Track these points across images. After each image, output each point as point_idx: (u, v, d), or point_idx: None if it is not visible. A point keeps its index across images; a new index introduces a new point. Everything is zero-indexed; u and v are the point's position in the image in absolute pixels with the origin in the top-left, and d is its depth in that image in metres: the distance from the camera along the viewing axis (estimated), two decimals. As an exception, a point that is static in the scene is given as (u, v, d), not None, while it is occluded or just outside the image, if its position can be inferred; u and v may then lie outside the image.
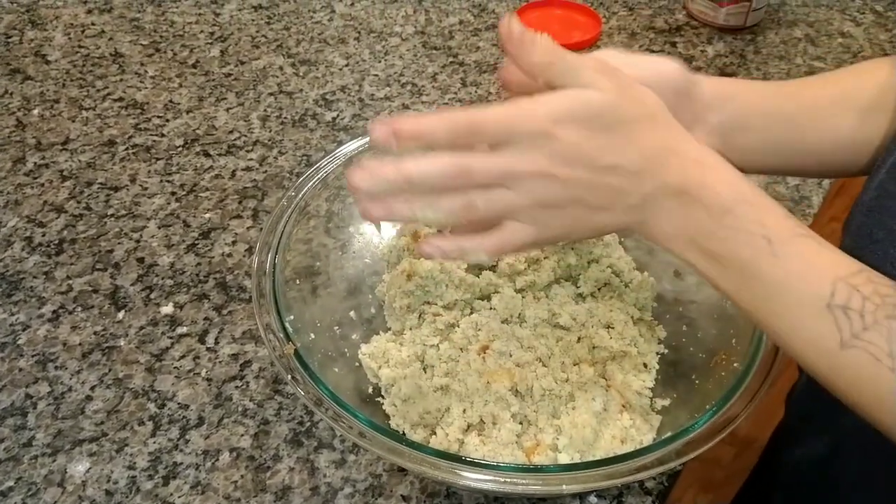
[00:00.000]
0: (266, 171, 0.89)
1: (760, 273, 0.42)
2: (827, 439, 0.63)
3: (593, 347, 0.63)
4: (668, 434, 0.53)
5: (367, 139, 0.71)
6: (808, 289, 0.41)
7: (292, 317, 0.58)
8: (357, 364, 0.64)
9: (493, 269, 0.70)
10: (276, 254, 0.61)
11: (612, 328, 0.64)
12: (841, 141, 0.57)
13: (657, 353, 0.65)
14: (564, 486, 0.47)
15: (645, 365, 0.64)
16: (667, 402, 0.61)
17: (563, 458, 0.55)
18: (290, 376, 0.53)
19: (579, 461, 0.54)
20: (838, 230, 0.55)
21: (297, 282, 0.63)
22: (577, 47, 1.07)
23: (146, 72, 1.05)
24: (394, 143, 0.40)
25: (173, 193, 0.86)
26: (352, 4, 1.18)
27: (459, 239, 0.44)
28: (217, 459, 0.62)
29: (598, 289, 0.69)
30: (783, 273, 0.41)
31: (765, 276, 0.42)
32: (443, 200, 0.42)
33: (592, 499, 0.60)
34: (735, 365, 0.56)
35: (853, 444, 0.59)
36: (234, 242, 0.81)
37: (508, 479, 0.47)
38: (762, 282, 0.42)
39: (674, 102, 0.47)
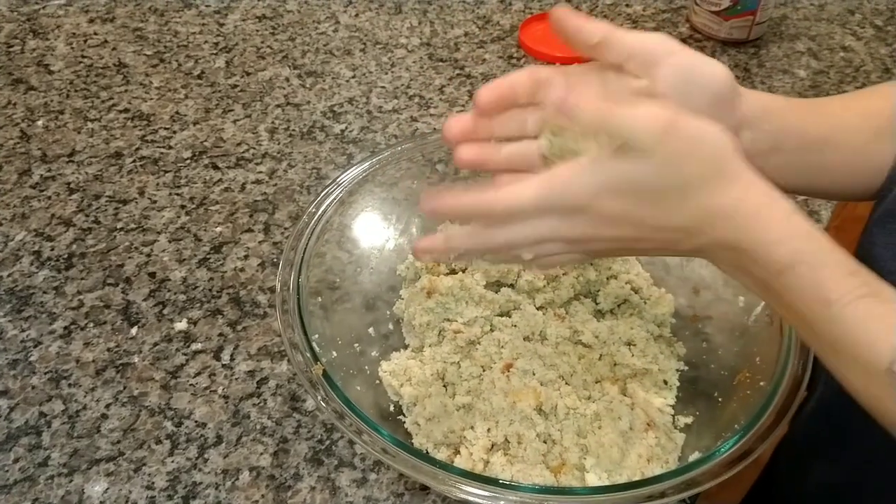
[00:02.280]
0: (276, 185, 0.88)
1: (818, 331, 0.42)
2: (842, 468, 0.63)
3: (615, 364, 0.63)
4: (696, 454, 0.53)
5: (381, 156, 0.71)
6: (867, 355, 0.40)
7: (316, 335, 0.58)
8: (377, 381, 0.64)
9: (512, 286, 0.69)
10: (298, 272, 0.60)
11: (634, 345, 0.64)
12: (862, 163, 0.57)
13: (677, 371, 0.65)
14: (601, 509, 0.47)
15: (665, 382, 0.64)
16: (689, 420, 0.61)
17: (591, 479, 0.55)
18: (319, 396, 0.52)
19: (609, 483, 0.54)
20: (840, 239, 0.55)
21: (319, 299, 0.62)
22: (580, 61, 1.07)
23: (151, 83, 1.04)
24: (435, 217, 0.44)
25: (183, 207, 0.86)
26: (356, 15, 1.18)
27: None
28: (237, 479, 0.62)
29: (618, 305, 0.69)
30: (840, 336, 0.41)
31: (822, 335, 0.42)
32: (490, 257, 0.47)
33: (616, 517, 0.60)
34: (761, 384, 0.56)
35: (872, 475, 0.59)
36: (246, 257, 0.80)
37: (542, 502, 0.47)
38: (820, 339, 0.42)
39: (713, 110, 0.46)
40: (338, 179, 0.68)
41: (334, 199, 0.67)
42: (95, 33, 1.13)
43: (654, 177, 0.40)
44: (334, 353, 0.60)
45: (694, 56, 0.45)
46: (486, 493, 0.48)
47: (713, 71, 0.46)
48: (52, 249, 0.80)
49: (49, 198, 0.86)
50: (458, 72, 1.07)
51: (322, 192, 0.67)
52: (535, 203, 0.42)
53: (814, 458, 0.67)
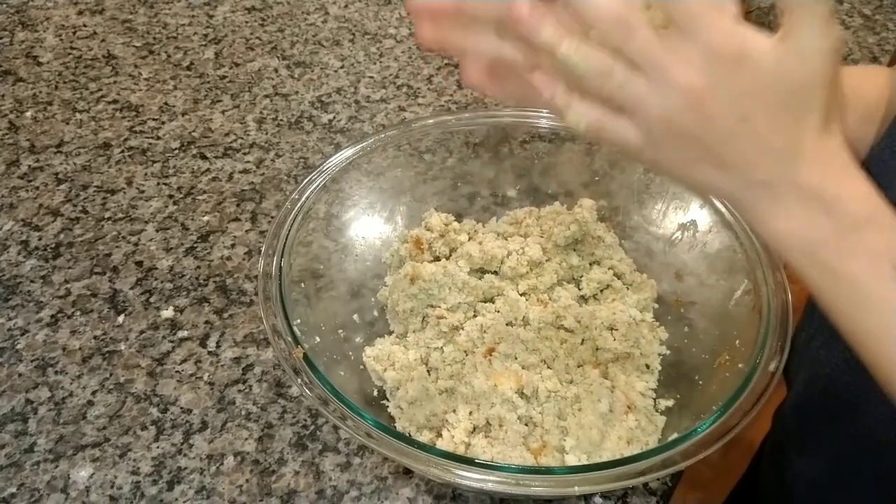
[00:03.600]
0: (263, 174, 0.89)
1: (879, 298, 0.39)
2: (821, 463, 0.63)
3: (597, 349, 0.64)
4: (675, 435, 0.54)
5: (367, 143, 0.71)
6: None
7: (298, 320, 0.58)
8: (361, 367, 0.65)
9: (495, 272, 0.70)
10: (281, 257, 0.61)
11: (616, 330, 0.64)
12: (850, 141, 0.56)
13: (659, 355, 0.65)
14: (577, 488, 0.47)
15: (647, 366, 0.64)
16: (670, 403, 0.62)
17: (571, 460, 0.55)
18: (299, 379, 0.53)
19: (587, 463, 0.55)
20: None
21: (302, 285, 0.63)
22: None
23: (140, 74, 1.04)
24: None
25: (171, 196, 0.86)
26: (345, 6, 1.18)
27: (564, 94, 0.41)
28: (221, 464, 0.62)
29: (601, 290, 0.69)
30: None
31: (879, 301, 0.39)
32: (593, 50, 0.38)
33: (598, 499, 0.60)
34: (739, 366, 0.56)
35: (849, 469, 0.60)
36: (233, 245, 0.80)
37: (520, 481, 0.48)
38: (875, 306, 0.39)
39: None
40: (322, 167, 0.69)
41: (318, 186, 0.67)
42: (84, 25, 1.13)
43: (809, 80, 0.37)
44: (317, 339, 0.61)
45: None
46: (467, 475, 0.49)
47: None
48: (40, 239, 0.81)
49: (37, 188, 0.87)
50: (446, 61, 1.07)
51: (305, 179, 0.67)
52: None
53: (794, 453, 0.68)
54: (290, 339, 0.55)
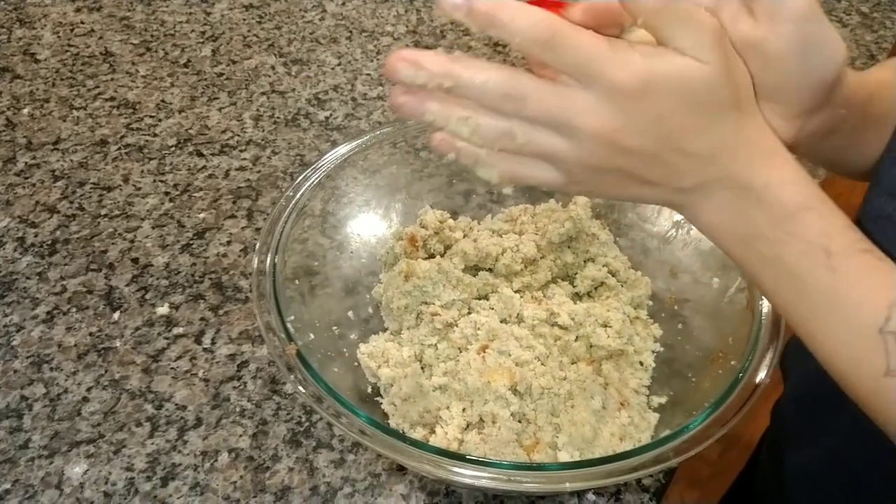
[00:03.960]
0: (260, 171, 0.89)
1: (813, 285, 0.39)
2: (818, 457, 0.63)
3: (591, 346, 0.64)
4: (667, 432, 0.54)
5: (362, 140, 0.71)
6: (862, 310, 0.38)
7: (293, 317, 0.58)
8: (355, 364, 0.65)
9: (490, 269, 0.70)
10: (275, 254, 0.61)
11: (609, 327, 0.65)
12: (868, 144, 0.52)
13: (653, 352, 0.65)
14: (568, 484, 0.47)
15: (641, 363, 0.65)
16: (663, 400, 0.62)
17: (563, 456, 0.55)
18: (292, 376, 0.53)
19: (579, 459, 0.55)
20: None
21: (296, 282, 0.63)
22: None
23: (137, 71, 1.04)
24: (465, 17, 0.36)
25: (167, 193, 0.86)
26: (343, 4, 1.18)
27: (469, 151, 0.39)
28: (216, 460, 0.62)
29: (595, 288, 0.69)
30: (838, 289, 0.38)
31: (818, 288, 0.39)
32: (482, 118, 0.37)
33: (591, 496, 0.60)
34: (732, 363, 0.56)
35: (845, 463, 0.60)
36: (228, 242, 0.81)
37: (511, 478, 0.48)
38: (814, 294, 0.39)
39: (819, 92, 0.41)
40: (317, 164, 0.69)
41: (313, 183, 0.67)
42: (82, 22, 1.13)
43: (707, 88, 0.37)
44: (312, 336, 0.61)
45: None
46: (459, 471, 0.49)
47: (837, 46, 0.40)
48: (36, 236, 0.81)
49: (33, 185, 0.87)
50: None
51: (301, 176, 0.67)
52: (584, 47, 0.35)
53: (790, 447, 0.68)
54: (283, 335, 0.55)
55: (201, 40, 1.10)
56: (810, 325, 0.41)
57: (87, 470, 0.62)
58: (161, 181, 0.88)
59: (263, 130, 0.95)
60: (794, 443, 0.67)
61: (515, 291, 0.68)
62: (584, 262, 0.70)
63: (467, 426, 0.59)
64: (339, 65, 1.06)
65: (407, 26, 1.14)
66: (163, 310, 0.74)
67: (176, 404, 0.66)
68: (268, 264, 0.60)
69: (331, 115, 0.97)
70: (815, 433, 0.63)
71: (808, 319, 0.40)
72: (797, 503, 0.67)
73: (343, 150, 0.70)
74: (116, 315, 0.73)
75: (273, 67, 1.05)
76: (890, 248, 0.41)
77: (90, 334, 0.72)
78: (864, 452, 0.58)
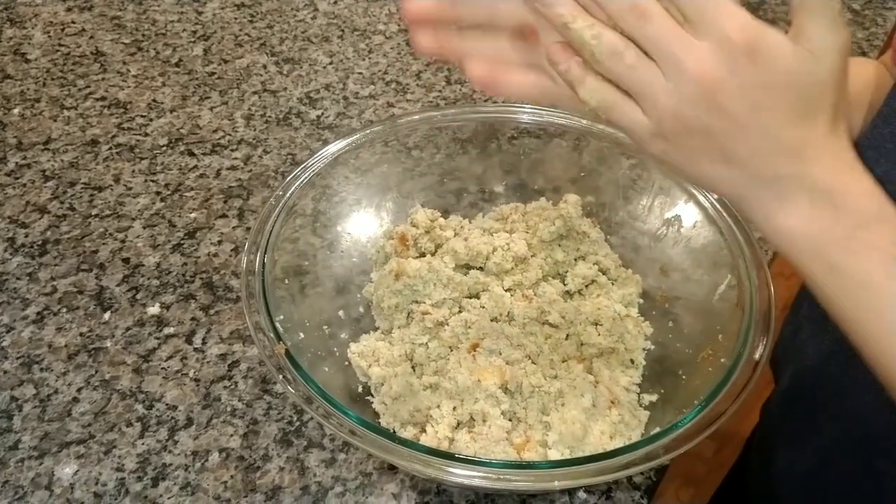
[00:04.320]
0: (251, 171, 0.89)
1: (885, 294, 0.39)
2: (809, 455, 0.63)
3: (581, 344, 0.64)
4: (657, 430, 0.54)
5: (353, 139, 0.71)
6: None
7: (282, 316, 0.58)
8: (346, 363, 0.65)
9: (481, 268, 0.70)
10: (264, 253, 0.61)
11: (600, 325, 0.65)
12: None
13: (644, 350, 0.65)
14: (556, 483, 0.47)
15: (632, 361, 0.65)
16: (654, 398, 0.62)
17: (553, 455, 0.55)
18: (281, 376, 0.53)
19: (569, 457, 0.55)
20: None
21: (286, 281, 0.63)
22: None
23: (128, 71, 1.04)
24: None
25: (158, 193, 0.86)
26: (335, 2, 1.18)
27: (579, 68, 0.40)
28: (206, 460, 0.62)
29: (586, 286, 0.69)
30: None
31: (880, 298, 0.39)
32: (606, 30, 0.38)
33: (581, 494, 0.60)
34: (722, 360, 0.56)
35: (836, 463, 0.60)
36: (219, 242, 0.80)
37: (501, 476, 0.48)
38: (884, 303, 0.39)
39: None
40: (308, 163, 0.69)
41: (303, 182, 0.67)
42: (73, 22, 1.13)
43: (819, 80, 0.37)
44: (302, 335, 0.61)
45: None
46: (449, 470, 0.49)
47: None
48: (27, 236, 0.81)
49: (24, 185, 0.87)
50: (435, 57, 1.07)
51: (291, 175, 0.67)
52: None
53: (781, 446, 0.68)
54: (272, 335, 0.55)
55: (193, 39, 1.10)
56: (872, 331, 0.40)
57: (78, 470, 0.62)
58: (152, 181, 0.87)
59: (255, 130, 0.94)
60: (784, 441, 0.67)
61: (506, 290, 0.68)
62: (575, 260, 0.70)
63: (458, 425, 0.59)
64: (330, 64, 1.06)
65: (399, 25, 1.14)
66: (154, 310, 0.74)
67: (166, 404, 0.66)
68: (257, 263, 0.60)
69: (322, 114, 0.97)
70: (806, 431, 0.63)
71: (871, 324, 0.40)
72: (788, 501, 0.67)
73: (334, 148, 0.70)
74: (107, 315, 0.73)
75: (265, 66, 1.05)
76: None
77: (81, 335, 0.71)
78: (855, 450, 0.58)
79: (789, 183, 0.39)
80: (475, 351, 0.62)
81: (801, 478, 0.65)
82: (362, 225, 0.73)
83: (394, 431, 0.59)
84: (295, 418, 0.65)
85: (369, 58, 1.07)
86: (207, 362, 0.69)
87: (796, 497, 0.66)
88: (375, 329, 0.68)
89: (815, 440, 0.62)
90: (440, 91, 1.01)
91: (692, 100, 0.37)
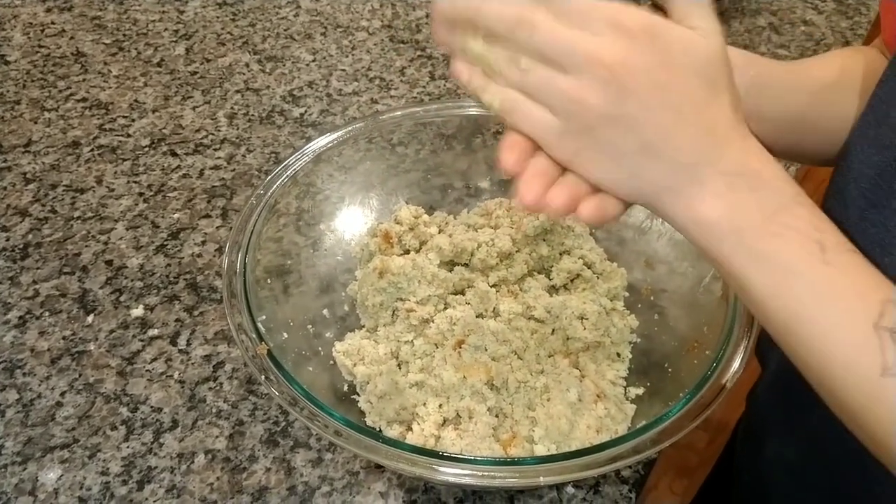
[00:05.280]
0: (234, 170, 0.88)
1: (808, 277, 0.38)
2: (795, 444, 0.63)
3: (567, 339, 0.64)
4: (643, 423, 0.54)
5: (335, 136, 0.71)
6: (857, 304, 0.37)
7: (264, 316, 0.58)
8: (331, 362, 0.64)
9: (465, 264, 0.70)
10: (246, 253, 0.60)
11: (586, 319, 0.64)
12: (845, 124, 0.54)
13: (630, 343, 0.65)
14: (542, 478, 0.47)
15: (618, 354, 0.64)
16: (640, 391, 0.62)
17: (540, 450, 0.55)
18: (263, 377, 0.52)
19: (555, 452, 0.55)
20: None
21: (269, 281, 0.62)
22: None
23: (110, 71, 1.03)
24: None
25: (141, 194, 0.85)
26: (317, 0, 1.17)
27: (481, 78, 0.41)
28: (192, 462, 0.62)
29: (571, 280, 0.69)
30: (833, 282, 0.38)
31: (812, 280, 0.38)
32: (497, 44, 0.39)
33: (570, 489, 0.60)
34: (707, 353, 0.56)
35: (824, 452, 0.60)
36: (203, 242, 0.80)
37: (486, 473, 0.48)
38: (808, 286, 0.38)
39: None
40: (290, 161, 0.68)
41: (286, 180, 0.66)
42: (53, 22, 1.12)
43: (710, 61, 0.38)
44: (286, 335, 0.60)
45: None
46: (435, 468, 0.49)
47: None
48: (8, 240, 0.80)
49: (4, 188, 0.86)
50: (419, 53, 1.06)
51: (273, 173, 0.67)
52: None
53: (768, 435, 0.68)
54: (254, 336, 0.55)
55: (174, 39, 1.09)
56: (799, 321, 0.39)
57: (62, 475, 0.61)
58: (135, 182, 0.87)
59: (238, 129, 0.94)
60: (772, 428, 0.67)
61: (491, 286, 0.68)
62: (560, 254, 0.70)
63: (444, 422, 0.58)
64: (313, 61, 1.05)
65: (382, 21, 1.13)
66: (137, 312, 0.73)
67: (151, 407, 0.66)
68: (238, 263, 0.59)
69: (306, 111, 0.96)
70: (792, 418, 0.63)
71: (798, 314, 0.39)
72: (777, 488, 0.67)
73: (317, 145, 0.69)
74: (90, 318, 0.73)
75: (247, 65, 1.04)
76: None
77: (63, 338, 0.71)
78: (843, 439, 0.58)
79: (706, 168, 0.38)
80: (461, 348, 0.61)
81: (785, 467, 0.65)
82: (346, 223, 0.72)
83: (380, 430, 0.59)
84: (281, 419, 0.65)
85: (352, 54, 1.06)
86: (192, 364, 0.69)
87: (785, 484, 0.66)
88: (360, 327, 0.68)
89: (801, 426, 0.62)
90: (424, 87, 1.00)
91: (597, 86, 0.37)
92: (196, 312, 0.73)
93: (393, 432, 0.59)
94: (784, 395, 0.65)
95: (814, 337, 0.39)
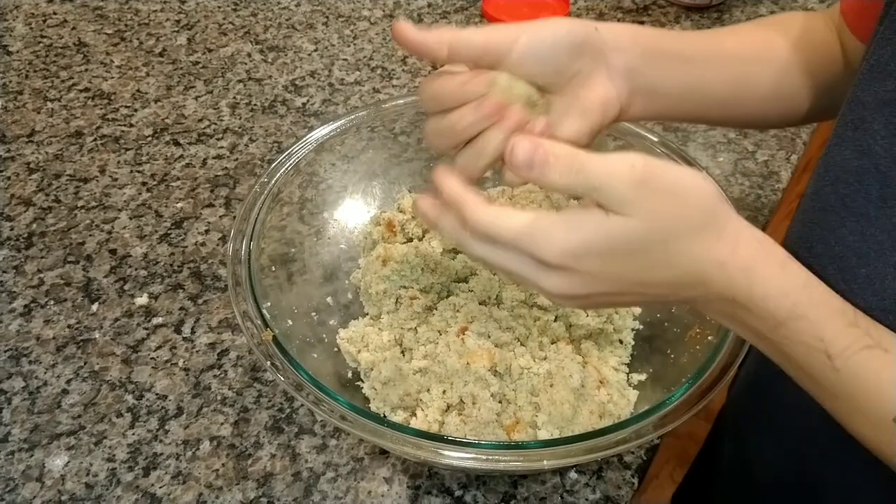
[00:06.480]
0: (237, 159, 0.88)
1: (821, 381, 0.41)
2: (778, 440, 0.63)
3: (570, 326, 0.64)
4: (646, 408, 0.54)
5: (338, 125, 0.71)
6: (872, 404, 0.40)
7: (269, 303, 0.58)
8: (336, 349, 0.65)
9: (468, 251, 0.70)
10: (250, 241, 0.60)
11: (588, 306, 0.65)
12: (762, 94, 0.57)
13: (632, 330, 0.66)
14: (546, 462, 0.47)
15: (620, 341, 0.65)
16: (643, 377, 0.62)
17: (543, 435, 0.55)
18: (269, 363, 0.53)
19: (559, 437, 0.55)
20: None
21: (273, 269, 0.63)
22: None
23: (112, 61, 1.03)
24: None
25: (144, 184, 0.86)
26: (319, -11, 1.17)
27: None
28: (198, 449, 0.62)
29: (573, 268, 0.69)
30: (844, 386, 0.40)
31: (825, 384, 0.41)
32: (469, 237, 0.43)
33: (573, 474, 0.61)
34: (710, 338, 0.56)
35: (808, 447, 0.60)
36: (207, 231, 0.80)
37: (490, 457, 0.48)
38: (823, 388, 0.41)
39: (572, 57, 0.47)
40: (292, 149, 0.68)
41: (288, 168, 0.67)
42: (55, 13, 1.12)
43: (637, 235, 0.38)
44: (290, 322, 0.61)
45: (538, 24, 0.46)
46: (440, 452, 0.49)
47: (551, 29, 0.46)
48: (12, 229, 0.80)
49: (8, 178, 0.86)
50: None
51: (276, 162, 0.67)
52: (512, 240, 0.39)
53: (750, 432, 0.68)
54: (259, 322, 0.55)
55: (176, 29, 1.09)
56: (821, 402, 0.43)
57: (69, 462, 0.62)
58: (138, 171, 0.87)
59: (240, 118, 0.94)
60: (753, 426, 0.67)
61: (494, 273, 0.68)
62: (563, 242, 0.70)
63: (448, 408, 0.59)
64: (315, 51, 1.05)
65: (384, 10, 1.13)
66: (142, 300, 0.73)
67: (156, 394, 0.66)
68: (243, 251, 0.59)
69: (308, 101, 0.97)
70: (775, 417, 0.63)
71: (818, 397, 0.43)
72: (761, 477, 0.67)
73: (319, 134, 0.70)
74: (95, 307, 0.73)
75: (249, 55, 1.04)
76: None
77: (69, 326, 0.71)
78: (826, 427, 0.58)
79: (702, 298, 0.42)
80: (464, 334, 0.62)
81: (769, 463, 0.65)
82: (349, 211, 0.73)
83: (384, 416, 0.60)
84: (285, 405, 0.65)
85: (354, 44, 1.06)
86: (197, 351, 0.69)
87: (762, 474, 0.66)
88: (364, 315, 0.68)
89: (778, 427, 0.62)
90: (426, 76, 1.00)
91: (570, 290, 0.40)
92: (200, 301, 0.73)
93: (397, 418, 0.59)
94: (761, 393, 0.65)
95: (839, 418, 0.43)
